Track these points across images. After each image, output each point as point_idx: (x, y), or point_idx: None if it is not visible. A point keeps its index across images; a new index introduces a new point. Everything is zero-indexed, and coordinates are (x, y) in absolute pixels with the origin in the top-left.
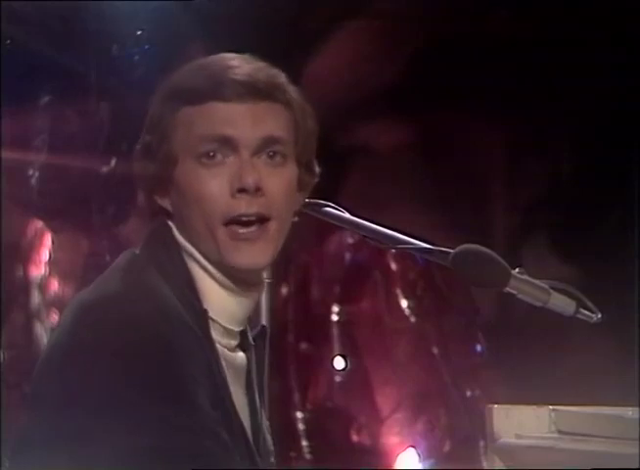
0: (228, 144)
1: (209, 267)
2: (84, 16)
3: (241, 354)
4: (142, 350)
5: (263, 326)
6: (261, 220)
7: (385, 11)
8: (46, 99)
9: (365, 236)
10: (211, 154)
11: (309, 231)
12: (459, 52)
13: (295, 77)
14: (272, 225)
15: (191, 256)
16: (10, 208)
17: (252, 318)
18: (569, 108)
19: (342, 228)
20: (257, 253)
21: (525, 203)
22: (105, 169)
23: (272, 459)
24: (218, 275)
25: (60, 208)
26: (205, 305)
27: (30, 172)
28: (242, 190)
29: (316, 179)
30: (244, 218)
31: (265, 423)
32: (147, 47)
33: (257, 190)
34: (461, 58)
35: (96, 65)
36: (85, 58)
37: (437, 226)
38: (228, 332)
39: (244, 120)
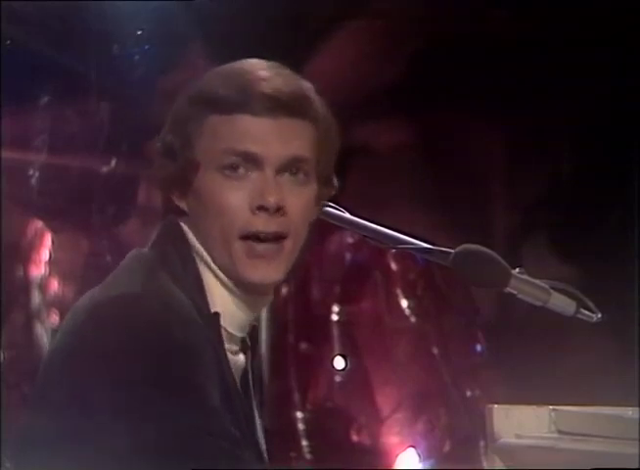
0: (253, 160)
1: (220, 274)
2: (84, 16)
3: (241, 357)
4: (155, 350)
5: (254, 326)
6: (278, 238)
7: (385, 11)
8: (46, 99)
9: (365, 236)
10: (234, 166)
11: (309, 231)
12: (459, 52)
13: None
14: (288, 243)
15: (202, 259)
16: (10, 208)
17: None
18: (569, 108)
19: (343, 228)
20: (272, 270)
21: (525, 203)
22: (105, 169)
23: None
24: (228, 282)
25: (60, 208)
26: (214, 310)
27: (30, 172)
28: (262, 208)
29: (334, 192)
30: (261, 235)
31: (261, 428)
32: (147, 47)
33: (278, 209)
34: (461, 58)
35: (96, 65)
36: (85, 58)
37: (437, 226)
38: (232, 337)
39: (270, 138)
